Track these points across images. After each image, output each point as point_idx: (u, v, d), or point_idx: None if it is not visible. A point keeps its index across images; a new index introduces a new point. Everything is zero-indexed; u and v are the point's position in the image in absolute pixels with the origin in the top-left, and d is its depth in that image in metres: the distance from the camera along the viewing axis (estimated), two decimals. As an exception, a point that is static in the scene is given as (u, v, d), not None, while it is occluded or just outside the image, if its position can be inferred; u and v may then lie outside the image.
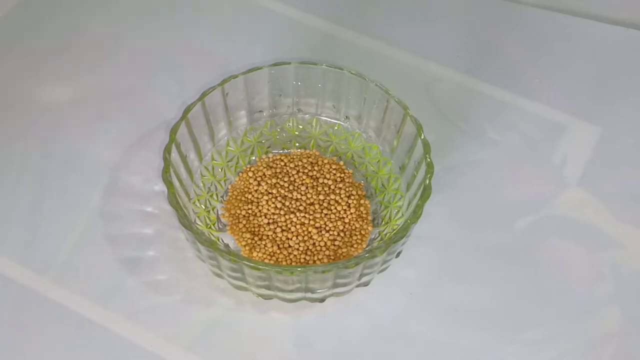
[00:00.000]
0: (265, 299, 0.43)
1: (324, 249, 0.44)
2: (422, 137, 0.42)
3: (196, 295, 0.44)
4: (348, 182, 0.46)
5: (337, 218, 0.44)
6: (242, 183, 0.46)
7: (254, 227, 0.44)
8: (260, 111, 0.48)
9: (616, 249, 0.46)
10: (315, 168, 0.46)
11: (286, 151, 0.48)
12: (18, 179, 0.48)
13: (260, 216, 0.44)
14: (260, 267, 0.38)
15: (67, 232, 0.46)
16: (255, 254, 0.43)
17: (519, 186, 0.49)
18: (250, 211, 0.45)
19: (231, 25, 0.57)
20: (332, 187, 0.46)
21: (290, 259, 0.43)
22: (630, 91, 0.54)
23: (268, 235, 0.44)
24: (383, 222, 0.45)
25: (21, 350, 0.42)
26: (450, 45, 0.56)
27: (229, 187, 0.47)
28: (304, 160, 0.47)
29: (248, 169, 0.47)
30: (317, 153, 0.48)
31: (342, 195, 0.45)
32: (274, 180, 0.45)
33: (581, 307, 0.44)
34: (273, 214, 0.44)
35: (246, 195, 0.46)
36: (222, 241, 0.44)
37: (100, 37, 0.56)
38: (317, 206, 0.45)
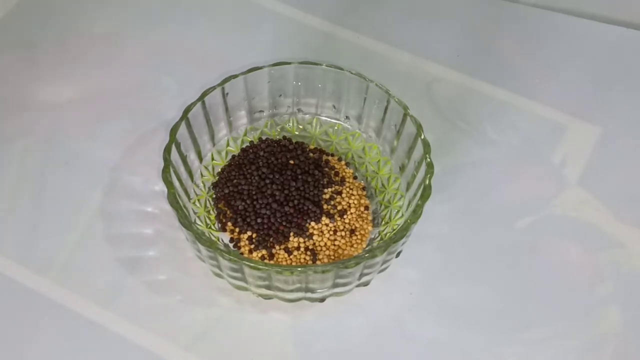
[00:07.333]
0: (265, 299, 0.43)
1: (324, 249, 0.44)
2: (422, 137, 0.42)
3: (196, 295, 0.44)
4: (348, 182, 0.46)
5: (337, 218, 0.44)
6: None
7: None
8: (260, 111, 0.48)
9: (616, 249, 0.46)
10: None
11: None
12: (18, 179, 0.48)
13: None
14: (260, 267, 0.38)
15: (67, 232, 0.46)
16: (255, 254, 0.43)
17: (519, 186, 0.49)
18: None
19: (231, 25, 0.57)
20: (332, 186, 0.46)
21: (291, 259, 0.43)
22: (630, 91, 0.54)
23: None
24: (383, 222, 0.45)
25: (21, 350, 0.42)
26: (450, 45, 0.56)
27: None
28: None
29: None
30: (318, 150, 0.48)
31: (343, 195, 0.45)
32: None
33: (581, 307, 0.44)
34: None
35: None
36: (222, 241, 0.44)
37: (100, 37, 0.56)
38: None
